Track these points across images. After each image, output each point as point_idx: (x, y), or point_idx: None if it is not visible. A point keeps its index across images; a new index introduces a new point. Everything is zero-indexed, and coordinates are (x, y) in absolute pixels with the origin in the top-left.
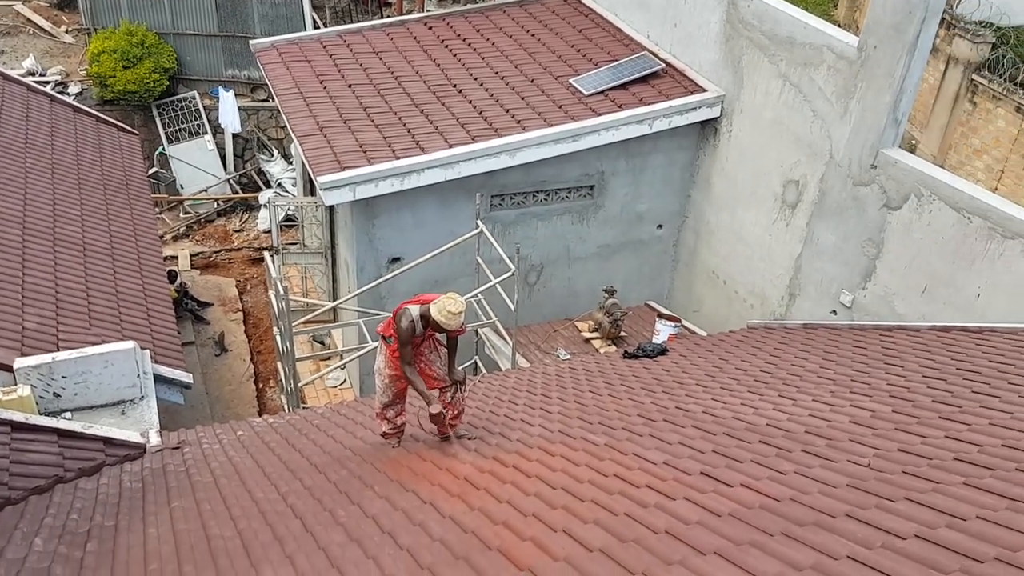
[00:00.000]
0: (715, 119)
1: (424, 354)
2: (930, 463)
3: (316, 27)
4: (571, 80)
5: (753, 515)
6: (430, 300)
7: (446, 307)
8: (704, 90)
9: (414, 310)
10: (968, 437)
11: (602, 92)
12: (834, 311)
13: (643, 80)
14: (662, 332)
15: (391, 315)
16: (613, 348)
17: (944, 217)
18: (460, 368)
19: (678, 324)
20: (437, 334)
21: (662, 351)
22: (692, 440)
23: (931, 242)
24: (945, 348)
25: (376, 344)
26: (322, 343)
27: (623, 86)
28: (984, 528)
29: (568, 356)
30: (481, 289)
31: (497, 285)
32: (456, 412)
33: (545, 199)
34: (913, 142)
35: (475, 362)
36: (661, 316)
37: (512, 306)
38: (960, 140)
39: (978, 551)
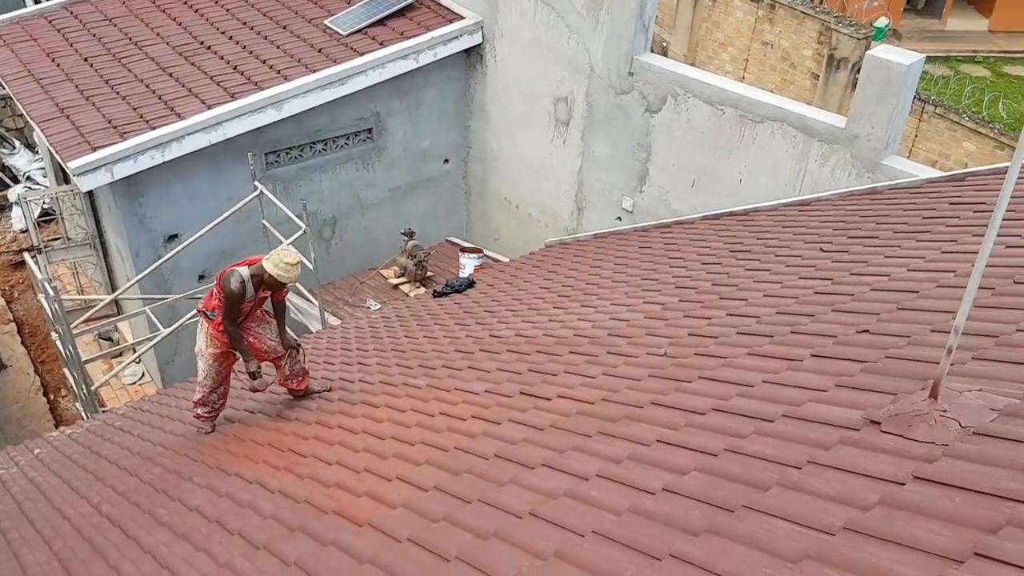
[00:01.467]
0: (478, 46)
1: (251, 328)
2: (717, 341)
3: (37, 2)
4: (326, 21)
5: (572, 422)
6: (257, 260)
7: (282, 259)
8: (462, 17)
9: (243, 271)
10: (746, 311)
11: (360, 31)
12: (619, 217)
13: (400, 14)
14: (467, 265)
15: (214, 285)
16: (422, 290)
17: (700, 113)
18: (290, 335)
19: (481, 255)
20: (263, 304)
21: (470, 284)
22: (509, 364)
23: (692, 138)
24: (717, 234)
25: (176, 328)
26: (110, 339)
27: (381, 22)
28: (770, 390)
29: (379, 306)
30: (284, 246)
31: (290, 246)
32: (300, 377)
33: (324, 149)
34: (664, 44)
35: None
36: (463, 250)
37: (311, 265)
38: (706, 36)
39: (768, 412)
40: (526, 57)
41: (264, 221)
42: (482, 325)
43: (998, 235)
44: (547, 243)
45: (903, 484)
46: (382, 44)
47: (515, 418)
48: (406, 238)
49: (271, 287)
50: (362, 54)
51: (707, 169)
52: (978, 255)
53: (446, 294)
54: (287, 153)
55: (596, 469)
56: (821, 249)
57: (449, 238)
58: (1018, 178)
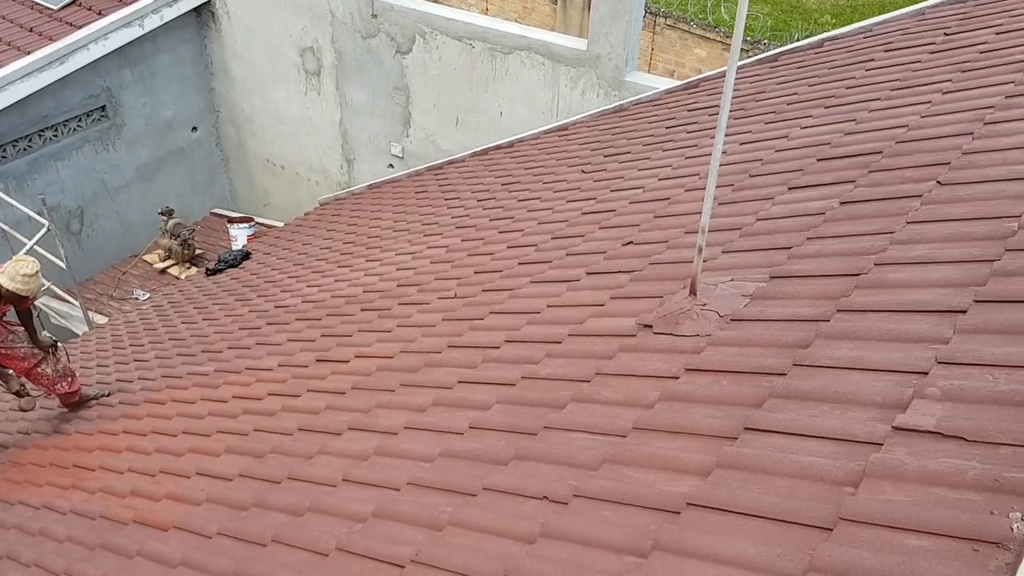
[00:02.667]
0: (208, 3)
1: None
2: (501, 275)
3: None
4: None
5: (373, 380)
6: None
7: (18, 271)
8: None
9: None
10: (525, 241)
11: (74, 2)
12: (391, 165)
13: None
14: (238, 237)
15: None
16: (194, 270)
17: (450, 49)
18: (44, 334)
19: (252, 224)
20: (5, 316)
21: (245, 256)
22: (300, 332)
23: (448, 76)
24: (488, 169)
25: None
26: None
27: None
28: (555, 313)
29: (148, 295)
30: (18, 256)
31: (36, 247)
32: (69, 378)
33: (55, 136)
34: None
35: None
36: (232, 220)
37: (62, 263)
38: None
39: (555, 334)
40: (262, 9)
41: (1, 224)
42: (265, 297)
43: (731, 133)
44: (321, 201)
45: (678, 378)
46: (100, 14)
47: (314, 387)
48: (165, 218)
49: (12, 301)
50: (80, 27)
51: (467, 105)
52: (711, 158)
53: (220, 270)
54: (13, 146)
55: (404, 422)
56: (582, 171)
57: (214, 210)
58: (746, 78)
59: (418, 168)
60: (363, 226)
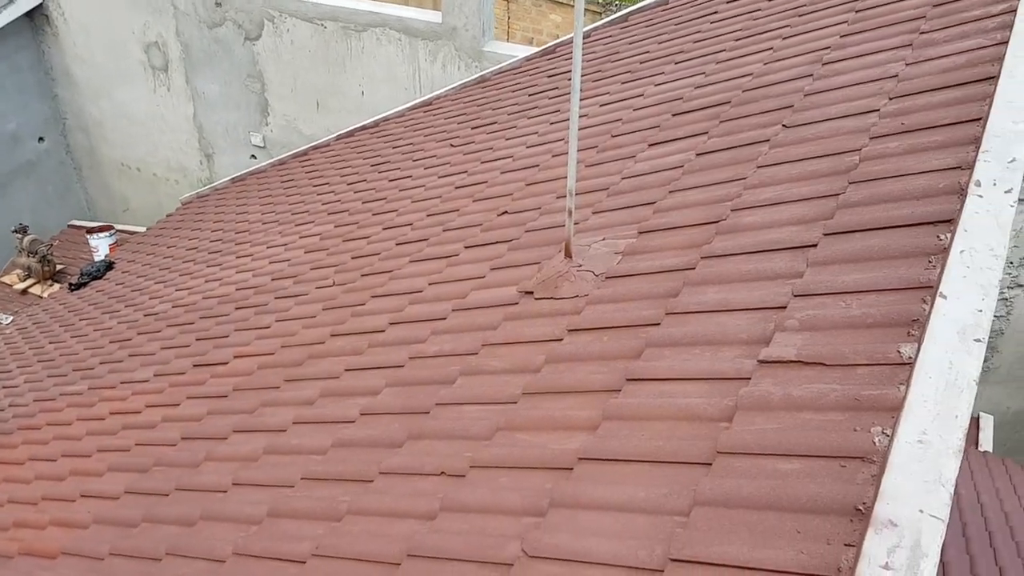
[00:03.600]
0: (39, 6)
1: None
2: (380, 257)
3: None
4: None
5: (256, 379)
6: None
7: None
8: None
9: None
10: (400, 221)
11: None
12: (253, 156)
13: None
14: (99, 247)
15: None
16: (56, 287)
17: (302, 31)
18: None
19: (112, 232)
20: None
21: (108, 267)
22: (173, 339)
23: (302, 59)
24: (355, 151)
25: None
26: None
27: None
28: (437, 290)
29: (10, 318)
30: None
31: None
32: None
33: None
34: None
35: None
36: (91, 231)
37: None
38: None
39: (439, 311)
40: (98, 6)
41: None
42: (133, 307)
43: (591, 96)
44: (183, 200)
45: (561, 340)
46: None
47: (194, 394)
48: (20, 235)
49: None
50: None
51: (327, 87)
52: (569, 123)
53: (84, 284)
54: None
55: (292, 417)
56: (451, 145)
57: (71, 222)
58: (600, 41)
59: (282, 156)
60: (230, 222)
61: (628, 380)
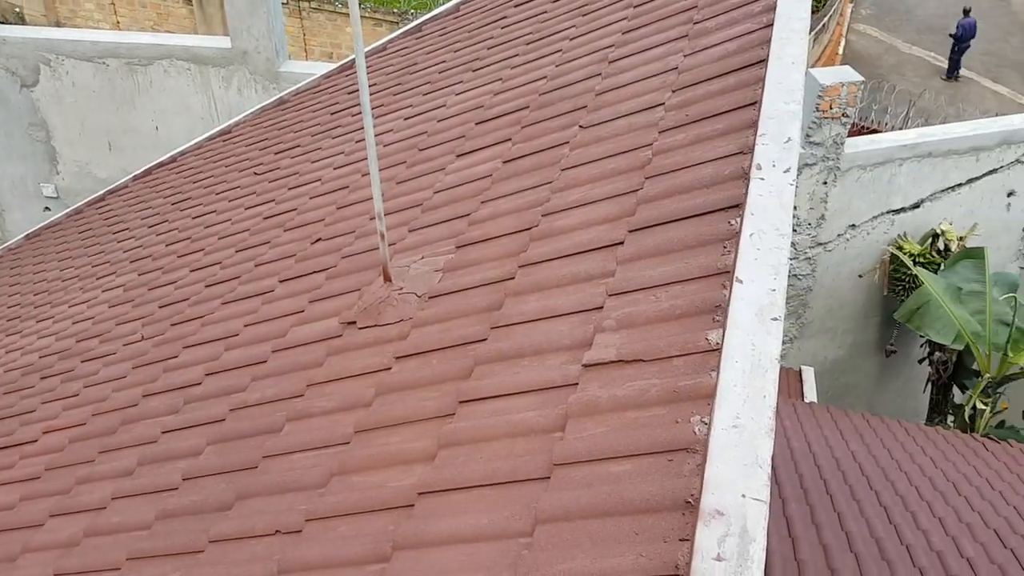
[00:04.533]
0: None
1: None
2: (189, 303)
3: None
4: None
5: (70, 454)
6: None
7: None
8: None
9: None
10: (207, 261)
11: None
12: (47, 208)
13: None
14: None
15: None
16: None
17: (83, 72)
18: None
19: None
20: None
21: None
22: None
23: (87, 100)
24: (155, 190)
25: None
26: None
27: None
28: (254, 331)
29: None
30: None
31: None
32: None
33: None
34: (18, 10)
35: None
36: None
37: None
38: None
39: (258, 354)
40: None
41: None
42: None
43: (394, 110)
44: None
45: (390, 368)
46: None
47: (3, 479)
48: None
49: None
50: None
51: (118, 127)
52: (366, 144)
53: None
54: None
55: (111, 492)
56: (255, 173)
57: None
58: (397, 53)
59: (78, 205)
60: (27, 283)
61: (461, 402)
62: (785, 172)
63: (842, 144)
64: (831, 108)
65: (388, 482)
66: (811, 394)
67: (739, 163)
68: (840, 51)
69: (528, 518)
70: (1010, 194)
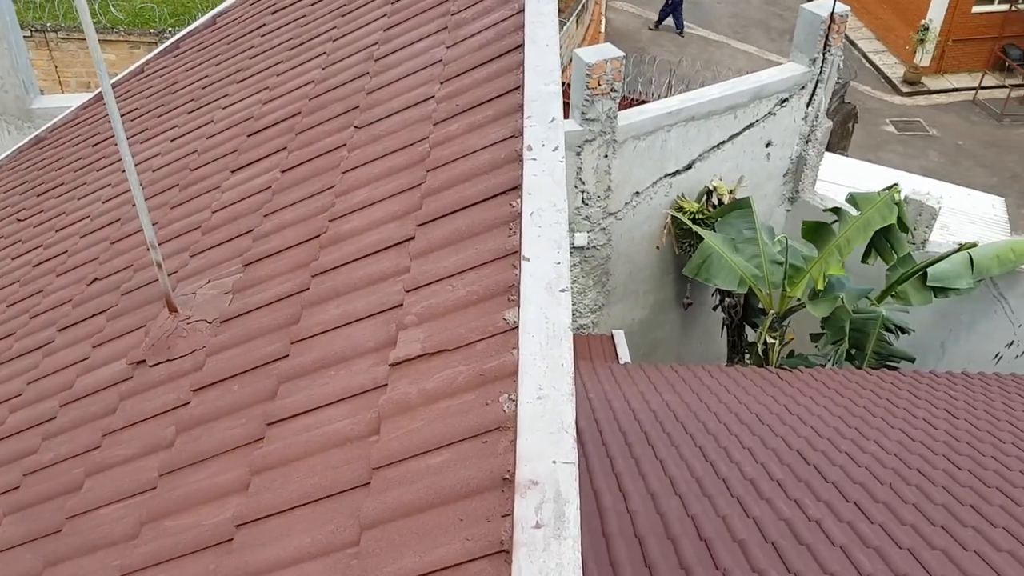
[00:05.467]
0: None
1: None
2: None
3: None
4: None
5: None
6: None
7: None
8: None
9: None
10: None
11: None
12: None
13: None
14: None
15: None
16: None
17: None
18: None
19: None
20: None
21: None
22: None
23: None
24: None
25: None
26: None
27: None
28: (40, 387)
29: None
30: None
31: None
32: None
33: None
34: None
35: None
36: None
37: None
38: None
39: (44, 411)
40: None
41: None
42: None
43: (159, 133)
44: None
45: (189, 403)
46: None
47: None
48: None
49: None
50: None
51: None
52: (127, 172)
53: None
54: None
55: None
56: (18, 219)
57: None
58: (155, 74)
59: None
60: None
61: (269, 425)
62: (554, 151)
63: (615, 118)
64: (600, 85)
65: (203, 520)
66: (625, 355)
67: (512, 146)
68: (602, 29)
69: (353, 527)
70: (768, 144)
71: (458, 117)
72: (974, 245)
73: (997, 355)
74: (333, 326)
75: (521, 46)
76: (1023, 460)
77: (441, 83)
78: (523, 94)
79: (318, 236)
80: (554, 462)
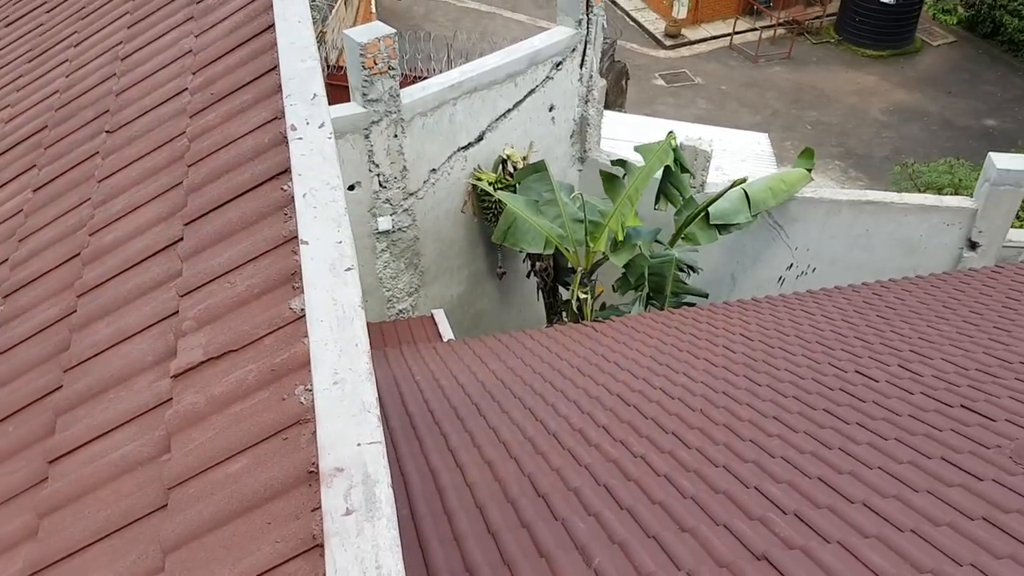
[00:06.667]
0: None
1: None
2: None
3: None
4: None
5: None
6: None
7: None
8: None
9: None
10: None
11: None
12: None
13: None
14: None
15: None
16: None
17: None
18: None
19: None
20: None
21: None
22: None
23: None
24: None
25: None
26: None
27: None
28: None
29: None
30: None
31: None
32: None
33: None
34: None
35: None
36: None
37: None
38: None
39: None
40: None
41: None
42: None
43: None
44: None
45: None
46: None
47: None
48: None
49: None
50: None
51: None
52: None
53: None
54: None
55: None
56: None
57: None
58: None
59: None
60: None
61: (51, 462)
62: (320, 127)
63: (397, 96)
64: (376, 64)
65: None
66: (447, 333)
67: (276, 128)
68: (373, 10)
69: (155, 554)
70: (551, 109)
71: (215, 106)
72: (745, 180)
73: (780, 278)
74: (106, 346)
75: (272, 25)
76: (812, 368)
77: (194, 73)
78: (280, 73)
79: (79, 253)
80: (359, 444)
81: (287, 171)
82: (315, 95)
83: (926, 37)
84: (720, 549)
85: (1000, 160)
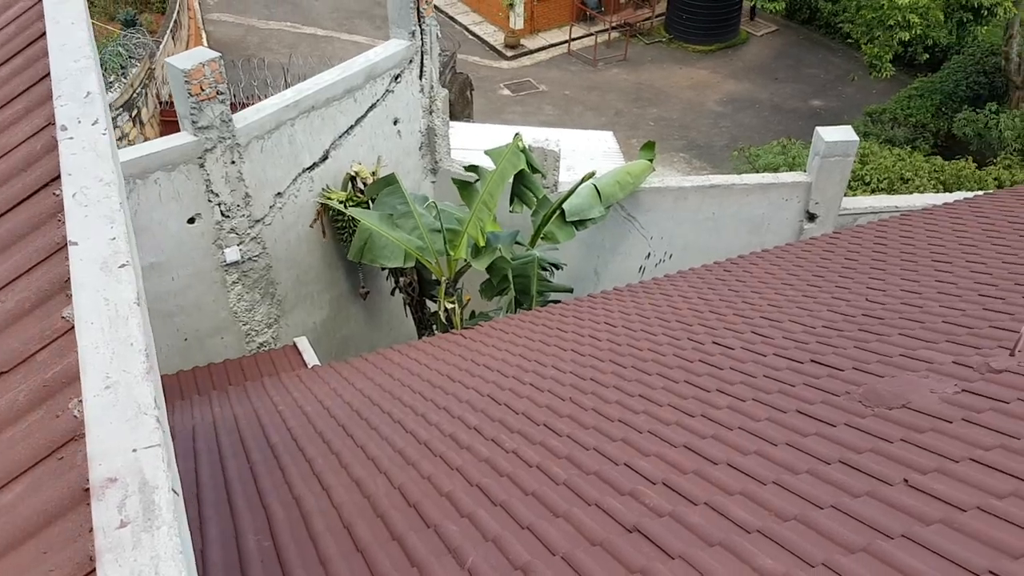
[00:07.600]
0: None
1: None
2: None
3: None
4: None
5: None
6: None
7: None
8: None
9: None
10: None
11: None
12: None
13: None
14: None
15: None
16: None
17: None
18: None
19: None
20: None
21: None
22: None
23: None
24: None
25: None
26: None
27: None
28: None
29: None
30: None
31: None
32: None
33: None
34: None
35: None
36: None
37: None
38: None
39: None
40: None
41: None
42: None
43: None
44: None
45: None
46: None
47: None
48: None
49: None
50: None
51: None
52: None
53: None
54: None
55: None
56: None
57: None
58: None
59: None
60: None
61: None
62: (94, 124)
63: (230, 120)
64: (203, 90)
65: None
66: (312, 360)
67: (49, 134)
68: (204, 43)
69: None
70: (396, 122)
71: None
72: (593, 174)
73: (640, 268)
74: None
75: (44, 33)
76: (672, 345)
77: None
78: (51, 78)
79: None
80: (134, 450)
81: (59, 177)
82: (88, 93)
83: (750, 28)
84: (593, 528)
85: (827, 133)
